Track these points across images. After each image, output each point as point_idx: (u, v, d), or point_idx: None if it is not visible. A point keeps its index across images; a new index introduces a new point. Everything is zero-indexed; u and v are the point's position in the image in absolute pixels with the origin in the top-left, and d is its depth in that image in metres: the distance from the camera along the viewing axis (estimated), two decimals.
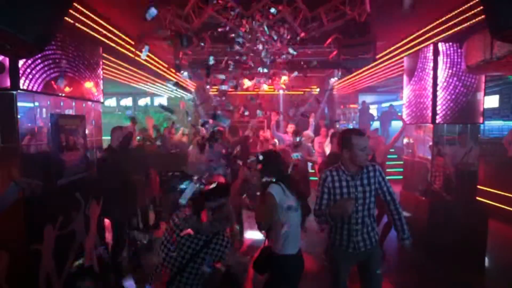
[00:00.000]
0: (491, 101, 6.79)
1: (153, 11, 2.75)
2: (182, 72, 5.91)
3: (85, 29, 4.21)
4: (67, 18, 3.50)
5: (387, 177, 2.26)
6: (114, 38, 4.94)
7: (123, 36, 5.09)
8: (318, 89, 9.84)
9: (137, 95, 12.61)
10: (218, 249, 1.78)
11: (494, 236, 4.03)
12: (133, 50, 5.38)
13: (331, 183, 2.14)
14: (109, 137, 3.60)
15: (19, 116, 2.41)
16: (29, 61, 2.45)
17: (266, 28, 4.44)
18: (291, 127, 5.54)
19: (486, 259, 3.87)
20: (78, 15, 3.97)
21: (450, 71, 3.79)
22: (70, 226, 2.97)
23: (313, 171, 7.44)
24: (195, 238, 1.79)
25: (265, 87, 7.02)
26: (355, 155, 2.08)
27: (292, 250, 2.15)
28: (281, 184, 2.15)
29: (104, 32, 4.62)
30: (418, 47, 5.10)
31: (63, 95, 2.98)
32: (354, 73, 8.09)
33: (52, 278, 2.68)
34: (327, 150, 6.14)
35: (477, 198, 4.18)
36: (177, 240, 1.80)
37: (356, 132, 2.14)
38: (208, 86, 9.29)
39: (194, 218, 1.83)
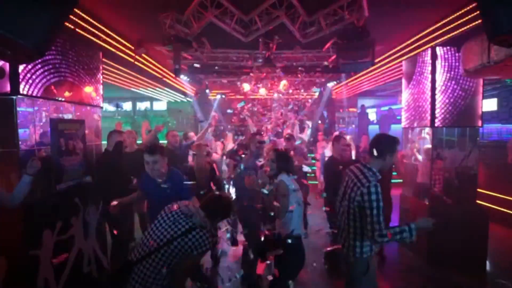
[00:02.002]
0: (490, 105, 6.82)
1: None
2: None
3: (85, 34, 4.24)
4: (67, 23, 3.53)
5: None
6: (114, 43, 4.97)
7: (123, 41, 5.11)
8: (317, 93, 9.85)
9: (136, 99, 12.62)
10: (196, 240, 1.75)
11: (494, 240, 4.02)
12: (133, 55, 5.40)
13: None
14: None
15: (18, 121, 2.42)
16: (29, 66, 2.46)
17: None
18: (286, 131, 5.55)
19: (487, 263, 3.86)
20: (78, 20, 3.99)
21: (448, 75, 3.81)
22: (69, 231, 2.95)
23: (312, 174, 7.45)
24: (184, 222, 1.81)
25: (263, 91, 7.05)
26: (391, 162, 2.13)
27: (300, 232, 2.43)
28: (288, 174, 2.48)
29: (104, 37, 4.64)
30: (416, 51, 5.14)
31: (63, 100, 2.99)
32: (353, 77, 8.12)
33: (51, 284, 2.66)
34: (327, 154, 6.15)
35: (478, 201, 4.17)
36: (161, 219, 1.87)
37: (397, 140, 2.16)
38: (207, 91, 9.36)
39: (197, 208, 1.92)
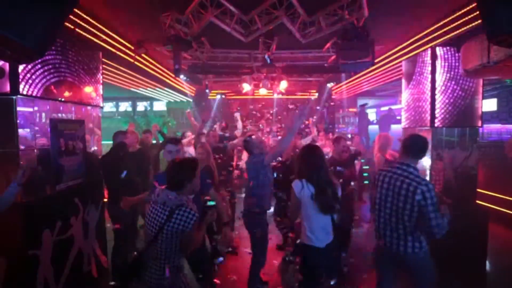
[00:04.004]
0: (489, 105, 6.81)
1: None
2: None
3: (84, 34, 4.23)
4: (67, 23, 3.53)
5: None
6: (113, 43, 4.96)
7: (123, 41, 5.11)
8: (316, 94, 9.89)
9: (136, 99, 12.62)
10: (180, 219, 1.85)
11: (494, 240, 4.02)
12: (133, 55, 5.40)
13: None
14: (107, 142, 3.62)
15: (18, 121, 2.42)
16: (29, 66, 2.46)
17: None
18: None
19: (487, 263, 3.86)
20: (78, 20, 3.98)
21: (448, 75, 3.81)
22: (69, 231, 2.96)
23: None
24: (162, 210, 1.91)
25: (263, 91, 7.06)
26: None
27: (312, 242, 2.28)
28: (302, 180, 2.30)
29: (104, 37, 4.64)
30: (416, 51, 5.13)
31: (63, 100, 2.99)
32: (353, 77, 8.12)
33: (50, 284, 2.66)
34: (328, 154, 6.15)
35: (477, 201, 4.17)
36: (148, 213, 1.98)
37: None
38: (207, 90, 9.36)
39: (165, 191, 1.98)
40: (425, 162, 4.00)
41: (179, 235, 1.87)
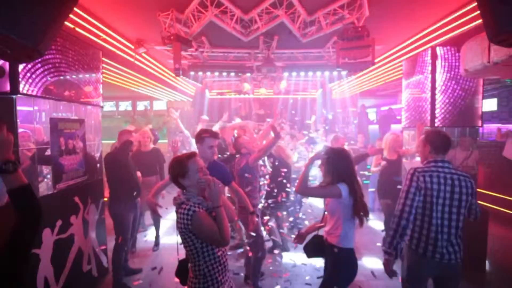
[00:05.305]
0: (490, 105, 6.82)
1: None
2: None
3: (85, 33, 4.23)
4: (67, 23, 3.52)
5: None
6: (113, 42, 4.96)
7: (123, 41, 5.10)
8: (321, 90, 9.86)
9: (136, 99, 12.61)
10: (180, 218, 1.75)
11: (494, 239, 4.02)
12: (133, 54, 5.40)
13: None
14: (107, 141, 3.63)
15: (18, 120, 2.42)
16: (29, 66, 2.46)
17: None
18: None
19: (487, 263, 3.86)
20: (78, 20, 3.98)
21: (448, 74, 3.81)
22: (69, 230, 2.96)
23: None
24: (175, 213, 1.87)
25: (263, 90, 7.07)
26: None
27: (351, 245, 2.27)
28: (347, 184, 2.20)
29: (104, 36, 4.63)
30: (416, 51, 5.13)
31: (63, 99, 2.99)
32: (353, 77, 8.12)
33: (50, 283, 2.67)
34: None
35: (477, 201, 4.17)
36: None
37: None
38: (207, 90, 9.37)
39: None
40: None
41: (187, 234, 1.76)
